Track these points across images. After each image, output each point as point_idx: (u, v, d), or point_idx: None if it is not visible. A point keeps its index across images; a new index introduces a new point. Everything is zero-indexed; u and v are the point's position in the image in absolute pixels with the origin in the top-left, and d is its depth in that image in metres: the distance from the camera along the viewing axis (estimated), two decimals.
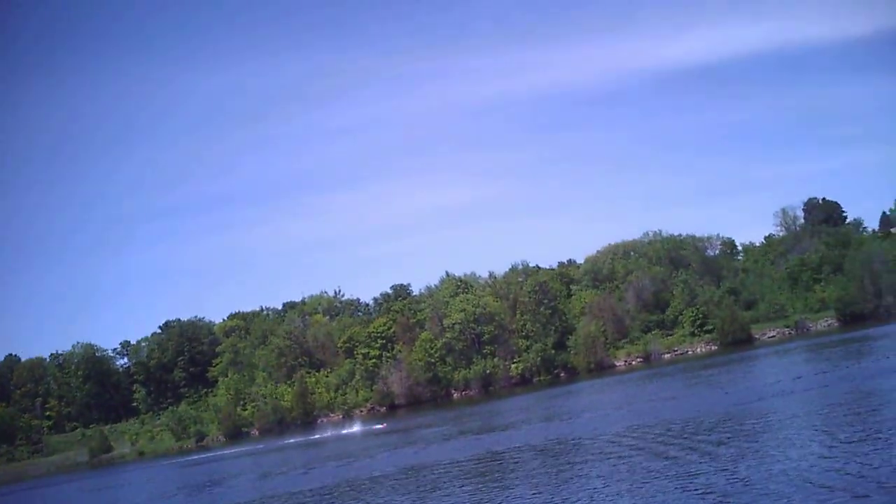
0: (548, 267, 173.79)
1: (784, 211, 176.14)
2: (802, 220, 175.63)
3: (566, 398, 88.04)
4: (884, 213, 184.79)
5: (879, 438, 30.08)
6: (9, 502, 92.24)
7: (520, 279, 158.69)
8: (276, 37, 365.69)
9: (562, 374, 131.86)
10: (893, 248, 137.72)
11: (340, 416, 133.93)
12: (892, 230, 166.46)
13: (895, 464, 25.54)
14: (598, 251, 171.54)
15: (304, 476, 54.10)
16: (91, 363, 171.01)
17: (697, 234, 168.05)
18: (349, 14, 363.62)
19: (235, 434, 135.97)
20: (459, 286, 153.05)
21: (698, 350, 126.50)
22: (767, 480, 26.64)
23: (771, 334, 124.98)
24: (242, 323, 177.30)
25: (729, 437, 37.03)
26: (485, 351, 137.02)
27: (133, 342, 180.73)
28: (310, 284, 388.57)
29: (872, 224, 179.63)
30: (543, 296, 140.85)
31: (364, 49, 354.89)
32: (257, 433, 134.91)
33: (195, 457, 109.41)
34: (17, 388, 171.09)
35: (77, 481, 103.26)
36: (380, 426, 61.36)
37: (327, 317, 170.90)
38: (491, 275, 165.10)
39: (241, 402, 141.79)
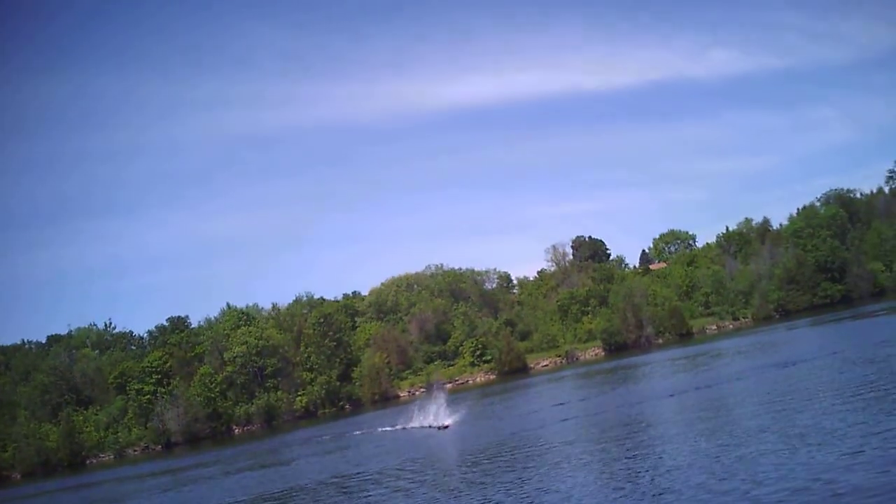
0: (333, 299, 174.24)
1: (554, 247, 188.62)
2: (571, 256, 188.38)
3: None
4: (643, 250, 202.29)
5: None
6: None
7: (304, 311, 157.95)
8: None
9: (347, 406, 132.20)
10: (652, 283, 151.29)
11: (112, 457, 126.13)
12: (651, 266, 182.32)
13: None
14: (382, 283, 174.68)
15: None
16: None
17: (476, 268, 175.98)
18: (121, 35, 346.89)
19: None
20: (241, 318, 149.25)
21: (478, 379, 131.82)
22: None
23: (544, 363, 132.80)
24: (2, 357, 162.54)
25: (514, 464, 38.94)
26: (268, 384, 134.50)
27: None
28: (77, 316, 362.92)
29: (633, 261, 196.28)
30: (328, 328, 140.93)
31: (143, 69, 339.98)
32: (19, 476, 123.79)
33: None
34: None
35: None
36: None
37: (97, 350, 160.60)
38: (274, 306, 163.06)
39: (2, 444, 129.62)
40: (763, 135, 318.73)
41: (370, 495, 37.04)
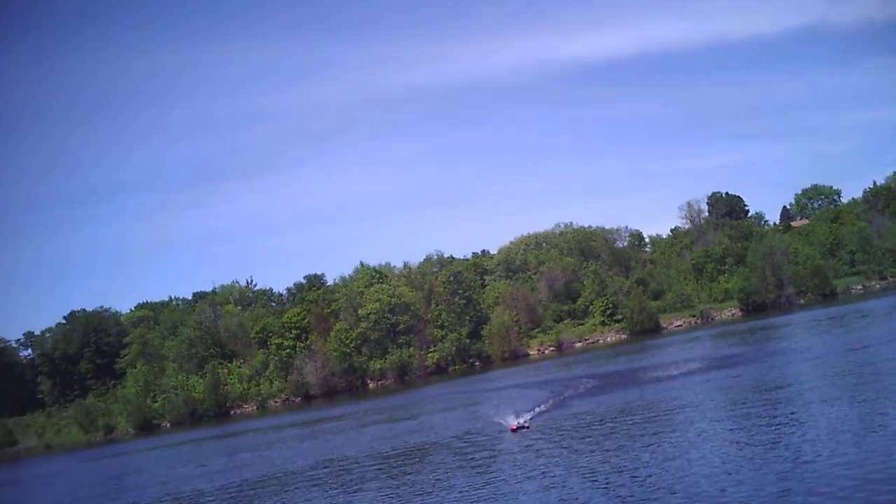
0: (462, 257, 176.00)
1: (689, 204, 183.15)
2: (706, 214, 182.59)
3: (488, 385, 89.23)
4: (784, 207, 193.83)
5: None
6: None
7: (434, 269, 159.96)
8: (171, 23, 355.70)
9: (477, 363, 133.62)
10: (793, 241, 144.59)
11: (254, 408, 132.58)
12: (793, 223, 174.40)
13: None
14: (510, 242, 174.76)
15: (219, 471, 52.45)
16: None
17: (607, 226, 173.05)
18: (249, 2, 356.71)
19: (146, 426, 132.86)
20: (374, 276, 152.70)
21: (608, 339, 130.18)
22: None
23: (678, 323, 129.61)
24: (151, 313, 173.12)
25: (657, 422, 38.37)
26: (400, 341, 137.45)
27: (37, 333, 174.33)
28: (221, 274, 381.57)
29: (773, 217, 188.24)
30: (458, 286, 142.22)
31: (270, 35, 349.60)
32: (168, 425, 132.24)
33: (106, 449, 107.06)
34: None
35: None
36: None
37: (239, 307, 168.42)
38: (405, 265, 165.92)
39: (151, 394, 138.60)
40: None
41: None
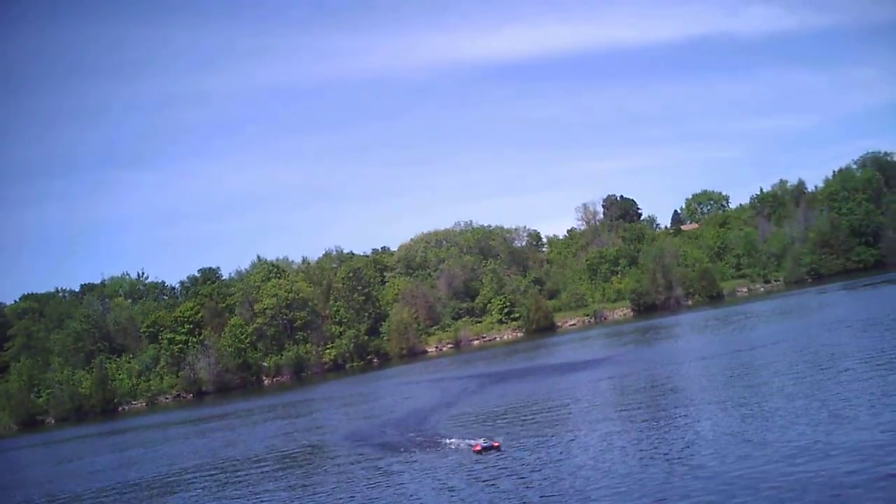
0: (362, 254, 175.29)
1: (585, 206, 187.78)
2: (602, 216, 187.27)
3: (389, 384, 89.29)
4: (675, 211, 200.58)
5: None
6: None
7: (334, 265, 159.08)
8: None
9: (375, 360, 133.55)
10: (683, 244, 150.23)
11: (144, 404, 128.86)
12: (683, 227, 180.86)
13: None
14: (411, 239, 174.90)
15: (103, 470, 50.51)
16: None
17: (506, 226, 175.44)
18: None
19: (29, 422, 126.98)
20: (271, 271, 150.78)
21: (506, 337, 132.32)
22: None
23: (572, 322, 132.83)
24: (36, 305, 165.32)
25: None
26: (297, 336, 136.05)
27: None
28: (111, 266, 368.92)
29: (665, 221, 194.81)
30: (357, 282, 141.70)
31: (174, 22, 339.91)
32: (53, 421, 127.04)
33: None
34: None
35: None
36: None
37: (130, 300, 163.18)
38: (304, 260, 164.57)
39: (35, 389, 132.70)
40: (802, 94, 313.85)
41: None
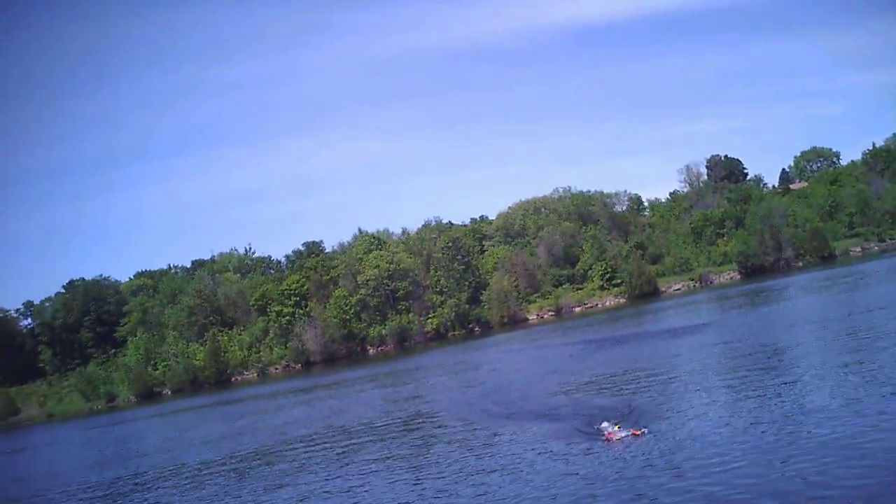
0: (460, 223, 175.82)
1: (688, 167, 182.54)
2: (706, 177, 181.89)
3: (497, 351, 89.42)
4: (783, 169, 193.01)
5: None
6: None
7: (433, 235, 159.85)
8: None
9: (476, 329, 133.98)
10: (792, 204, 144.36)
11: (255, 374, 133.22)
12: (791, 186, 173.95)
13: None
14: (509, 207, 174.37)
15: (220, 438, 52.11)
16: None
17: (605, 191, 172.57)
18: None
19: (147, 394, 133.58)
20: (372, 243, 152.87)
21: (608, 303, 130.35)
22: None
23: (676, 287, 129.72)
24: (150, 281, 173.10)
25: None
26: (399, 307, 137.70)
27: (36, 302, 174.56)
28: (218, 242, 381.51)
29: (772, 180, 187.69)
30: (457, 252, 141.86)
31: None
32: (169, 393, 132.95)
33: (107, 417, 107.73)
34: None
35: None
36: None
37: (238, 275, 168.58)
38: (404, 231, 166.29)
39: (152, 362, 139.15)
40: None
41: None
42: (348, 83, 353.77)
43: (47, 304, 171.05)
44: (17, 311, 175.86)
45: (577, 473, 23.91)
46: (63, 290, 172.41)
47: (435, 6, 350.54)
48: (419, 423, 41.59)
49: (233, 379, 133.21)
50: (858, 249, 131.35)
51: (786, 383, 31.43)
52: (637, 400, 33.93)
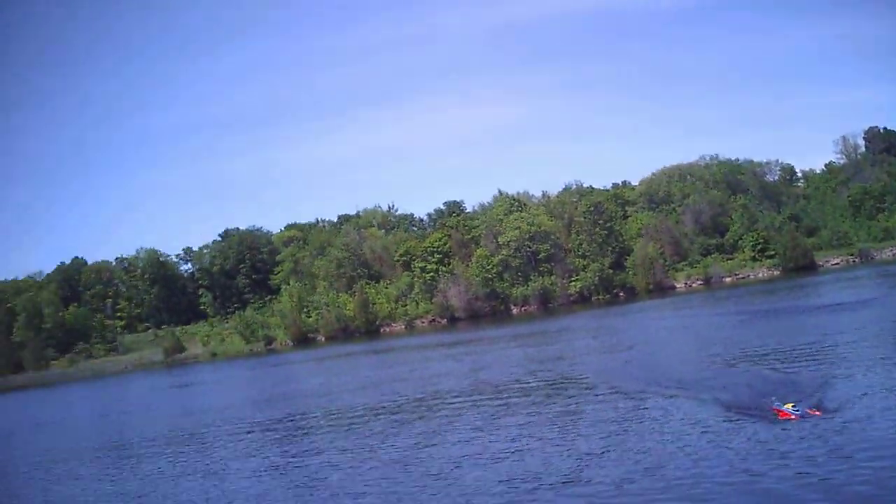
0: (602, 188, 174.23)
1: (845, 139, 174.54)
2: (863, 149, 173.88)
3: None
4: None
5: None
6: (111, 394, 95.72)
7: (574, 199, 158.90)
8: None
9: (621, 294, 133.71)
10: None
11: (403, 326, 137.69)
12: None
13: None
14: (653, 174, 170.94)
15: (378, 385, 52.64)
16: (156, 267, 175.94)
17: (755, 160, 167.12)
18: None
19: (302, 339, 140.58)
20: (513, 205, 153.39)
21: (760, 275, 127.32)
22: None
23: (835, 261, 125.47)
24: (300, 234, 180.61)
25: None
26: (541, 269, 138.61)
27: (195, 249, 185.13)
28: (362, 198, 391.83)
29: None
30: (599, 216, 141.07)
31: None
32: (323, 339, 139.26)
33: (266, 359, 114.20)
34: (86, 289, 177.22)
35: (158, 377, 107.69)
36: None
37: (382, 231, 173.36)
38: (544, 194, 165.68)
39: (305, 310, 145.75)
40: None
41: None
42: (494, 46, 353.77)
43: (205, 251, 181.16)
44: (178, 256, 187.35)
45: (771, 450, 21.58)
46: (219, 238, 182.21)
47: None
48: (565, 384, 40.66)
49: (381, 329, 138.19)
50: None
51: None
52: (801, 377, 31.67)
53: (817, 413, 24.02)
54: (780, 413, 24.51)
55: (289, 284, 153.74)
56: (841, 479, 18.35)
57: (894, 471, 18.36)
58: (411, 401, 42.52)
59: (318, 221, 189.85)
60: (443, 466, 25.54)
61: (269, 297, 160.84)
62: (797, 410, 24.28)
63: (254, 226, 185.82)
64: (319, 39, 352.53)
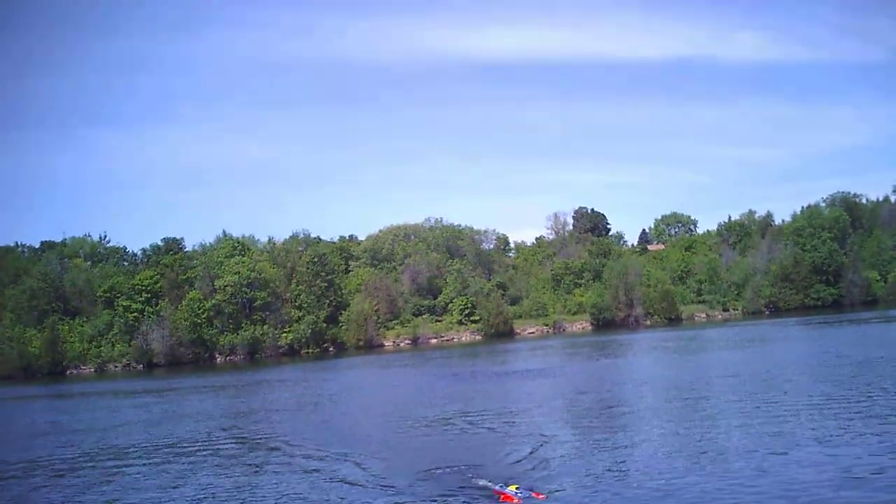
0: (329, 240, 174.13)
1: (556, 215, 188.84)
2: (571, 227, 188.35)
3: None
4: (644, 230, 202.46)
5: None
6: None
7: (299, 248, 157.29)
8: None
9: (331, 349, 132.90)
10: (648, 264, 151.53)
11: (92, 370, 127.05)
12: (649, 247, 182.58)
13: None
14: (379, 230, 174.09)
15: (46, 434, 48.62)
16: None
17: (475, 227, 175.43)
18: None
19: None
20: (236, 248, 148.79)
21: (464, 338, 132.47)
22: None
23: (531, 330, 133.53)
24: None
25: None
26: (255, 317, 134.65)
27: None
28: (72, 225, 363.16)
29: (633, 239, 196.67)
30: (321, 268, 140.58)
31: None
32: None
33: None
34: None
35: None
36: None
37: (89, 262, 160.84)
38: (270, 240, 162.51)
39: None
40: (778, 127, 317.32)
41: None
42: (239, 82, 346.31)
43: None
44: None
45: None
46: None
47: (326, 18, 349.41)
48: (255, 442, 39.77)
49: (68, 372, 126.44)
50: (703, 315, 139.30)
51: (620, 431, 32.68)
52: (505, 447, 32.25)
53: (541, 497, 23.32)
54: (503, 496, 23.70)
55: None
56: None
57: None
58: (79, 455, 38.99)
59: (16, 245, 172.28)
60: None
61: None
62: (520, 493, 23.46)
63: None
64: (49, 45, 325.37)
